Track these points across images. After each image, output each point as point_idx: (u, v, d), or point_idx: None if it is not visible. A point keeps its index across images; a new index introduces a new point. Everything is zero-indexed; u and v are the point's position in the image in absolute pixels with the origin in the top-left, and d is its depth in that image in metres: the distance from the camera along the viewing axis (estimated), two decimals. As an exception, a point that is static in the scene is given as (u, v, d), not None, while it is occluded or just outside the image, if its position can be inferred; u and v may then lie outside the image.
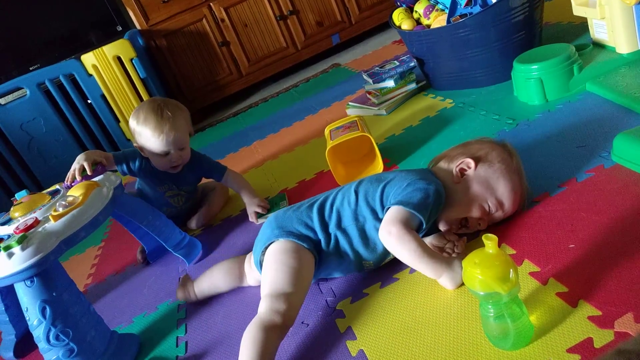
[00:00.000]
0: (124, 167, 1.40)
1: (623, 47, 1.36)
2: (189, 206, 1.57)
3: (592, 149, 1.11)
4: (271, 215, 1.05)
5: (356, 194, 0.98)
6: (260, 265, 1.00)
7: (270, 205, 1.45)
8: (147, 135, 1.33)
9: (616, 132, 1.04)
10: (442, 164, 1.03)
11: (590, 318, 0.72)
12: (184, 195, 1.53)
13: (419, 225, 0.92)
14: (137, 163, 1.41)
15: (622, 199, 0.92)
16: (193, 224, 1.55)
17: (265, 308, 0.87)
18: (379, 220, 0.93)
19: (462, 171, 0.99)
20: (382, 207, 0.95)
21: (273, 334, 0.84)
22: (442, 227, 0.99)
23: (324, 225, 0.96)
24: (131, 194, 1.55)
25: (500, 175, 0.96)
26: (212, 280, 1.12)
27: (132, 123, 1.36)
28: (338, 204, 0.98)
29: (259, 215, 1.42)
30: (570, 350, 0.69)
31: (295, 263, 0.92)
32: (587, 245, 0.86)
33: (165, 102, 1.38)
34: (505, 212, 0.97)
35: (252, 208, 1.44)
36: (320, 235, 0.96)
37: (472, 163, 0.98)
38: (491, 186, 0.95)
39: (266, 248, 0.98)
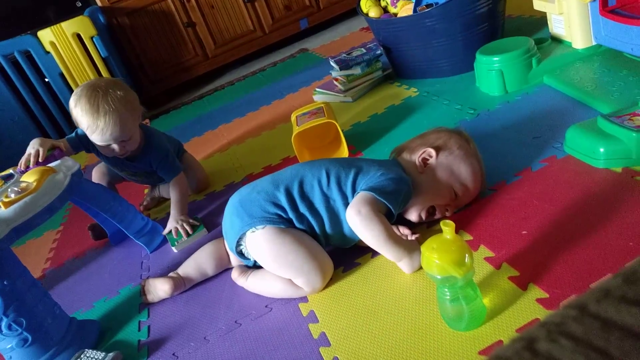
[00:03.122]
0: (83, 150, 1.36)
1: (578, 42, 1.42)
2: (158, 178, 1.49)
3: (547, 140, 1.16)
4: (235, 199, 1.03)
5: (327, 175, 0.98)
6: (237, 252, 1.01)
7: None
8: (83, 126, 1.25)
9: (569, 124, 1.09)
10: (404, 156, 1.06)
11: (539, 300, 0.77)
12: (141, 174, 1.47)
13: (387, 215, 0.94)
14: (91, 147, 1.35)
15: (572, 189, 0.98)
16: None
17: (297, 282, 0.94)
18: (346, 205, 0.95)
19: (424, 161, 1.02)
20: (354, 192, 0.96)
21: (298, 291, 0.95)
22: (411, 217, 1.02)
23: (294, 205, 0.96)
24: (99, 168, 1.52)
25: (461, 160, 1.00)
26: (199, 266, 1.10)
27: (71, 105, 1.26)
28: (308, 186, 0.98)
29: (177, 238, 1.30)
30: (519, 330, 0.73)
31: (287, 245, 0.93)
32: (539, 231, 0.90)
33: (107, 88, 1.24)
34: (470, 195, 1.02)
35: (172, 224, 1.33)
36: (291, 215, 0.96)
37: (433, 152, 1.01)
38: (454, 171, 0.99)
39: (240, 238, 0.97)
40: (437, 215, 1.01)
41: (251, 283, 1.01)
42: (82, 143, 1.34)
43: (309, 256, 0.93)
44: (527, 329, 0.30)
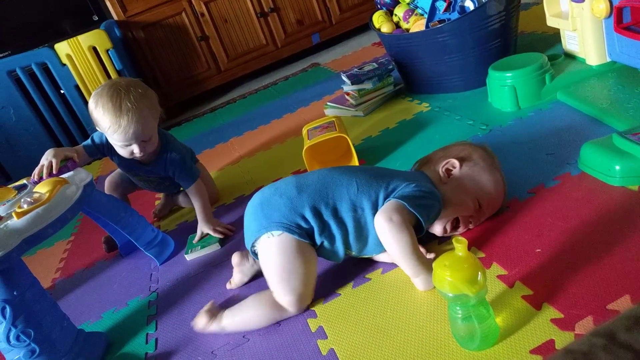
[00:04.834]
0: (99, 156, 1.37)
1: (592, 58, 1.41)
2: (169, 184, 1.49)
3: (560, 157, 1.15)
4: (256, 200, 1.00)
5: (357, 184, 0.95)
6: (252, 253, 1.00)
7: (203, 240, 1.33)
8: (104, 126, 1.24)
9: (583, 141, 1.08)
10: (428, 167, 1.05)
11: (553, 320, 0.75)
12: (154, 180, 1.47)
13: (416, 228, 0.92)
14: (107, 150, 1.36)
15: (587, 206, 0.96)
16: (180, 200, 1.54)
17: (280, 299, 0.93)
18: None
19: (448, 171, 1.02)
20: (385, 202, 0.93)
21: (281, 313, 0.94)
22: (436, 230, 1.00)
23: (318, 213, 0.93)
24: (117, 174, 1.52)
25: (485, 172, 0.99)
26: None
27: (91, 107, 1.24)
28: (336, 193, 0.95)
29: (193, 246, 1.31)
30: (533, 351, 0.71)
31: (296, 264, 0.91)
32: (553, 250, 0.89)
33: (128, 87, 1.23)
34: (494, 206, 1.01)
35: (205, 229, 1.33)
36: (313, 223, 0.93)
37: (457, 163, 1.01)
38: (477, 182, 0.99)
39: (256, 240, 0.96)
40: (461, 229, 1.00)
41: (228, 323, 0.95)
42: (99, 148, 1.35)
43: (308, 282, 0.93)
44: (551, 356, 0.28)
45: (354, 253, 0.99)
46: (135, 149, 1.27)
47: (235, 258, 1.09)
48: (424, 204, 0.91)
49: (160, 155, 1.38)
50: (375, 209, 0.93)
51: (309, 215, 0.93)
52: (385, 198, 0.94)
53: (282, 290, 0.93)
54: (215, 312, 0.98)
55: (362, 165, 1.04)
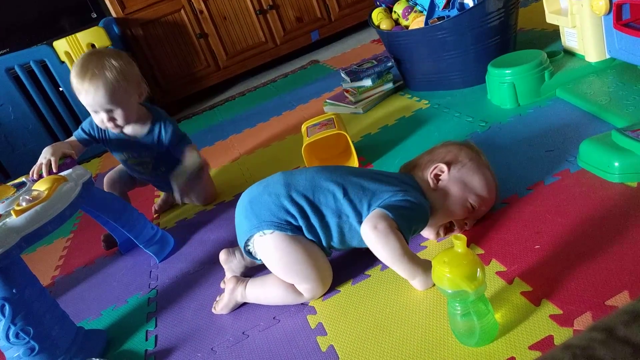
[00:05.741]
0: (92, 143, 1.38)
1: (592, 55, 1.41)
2: (165, 170, 1.45)
3: (560, 154, 1.15)
4: (245, 198, 1.01)
5: (343, 190, 0.95)
6: (246, 252, 1.00)
7: None
8: (73, 87, 1.27)
9: (582, 138, 1.08)
10: (416, 174, 1.02)
11: (552, 317, 0.75)
12: (149, 162, 1.45)
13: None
14: (97, 135, 1.36)
15: (586, 203, 0.96)
16: (177, 197, 1.54)
17: (299, 287, 0.95)
18: (361, 222, 0.92)
19: (436, 177, 1.00)
20: (369, 209, 0.93)
21: (297, 298, 0.96)
22: (429, 235, 1.01)
23: (305, 215, 0.94)
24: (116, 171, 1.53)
25: (474, 172, 0.98)
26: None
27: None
28: (322, 198, 0.95)
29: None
30: (532, 347, 0.72)
31: (298, 255, 0.93)
32: (552, 246, 0.89)
33: (104, 55, 1.25)
34: (487, 205, 1.00)
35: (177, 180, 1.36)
36: (301, 222, 0.94)
37: (444, 167, 0.99)
38: (468, 184, 0.97)
39: (248, 239, 0.96)
40: (457, 231, 1.00)
41: (250, 292, 1.00)
42: (91, 136, 1.36)
43: (316, 266, 0.94)
44: (549, 351, 0.28)
45: (338, 249, 1.01)
46: (103, 116, 1.28)
47: (222, 256, 1.10)
48: (408, 215, 0.91)
49: (152, 126, 1.38)
50: (359, 217, 0.93)
51: (297, 215, 0.94)
52: (369, 205, 0.93)
53: (296, 280, 0.94)
54: (240, 278, 1.03)
55: (352, 168, 1.04)
